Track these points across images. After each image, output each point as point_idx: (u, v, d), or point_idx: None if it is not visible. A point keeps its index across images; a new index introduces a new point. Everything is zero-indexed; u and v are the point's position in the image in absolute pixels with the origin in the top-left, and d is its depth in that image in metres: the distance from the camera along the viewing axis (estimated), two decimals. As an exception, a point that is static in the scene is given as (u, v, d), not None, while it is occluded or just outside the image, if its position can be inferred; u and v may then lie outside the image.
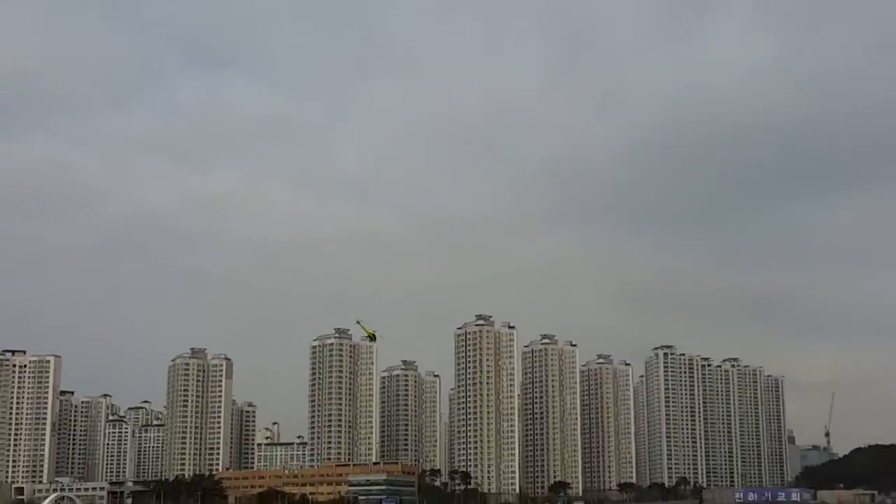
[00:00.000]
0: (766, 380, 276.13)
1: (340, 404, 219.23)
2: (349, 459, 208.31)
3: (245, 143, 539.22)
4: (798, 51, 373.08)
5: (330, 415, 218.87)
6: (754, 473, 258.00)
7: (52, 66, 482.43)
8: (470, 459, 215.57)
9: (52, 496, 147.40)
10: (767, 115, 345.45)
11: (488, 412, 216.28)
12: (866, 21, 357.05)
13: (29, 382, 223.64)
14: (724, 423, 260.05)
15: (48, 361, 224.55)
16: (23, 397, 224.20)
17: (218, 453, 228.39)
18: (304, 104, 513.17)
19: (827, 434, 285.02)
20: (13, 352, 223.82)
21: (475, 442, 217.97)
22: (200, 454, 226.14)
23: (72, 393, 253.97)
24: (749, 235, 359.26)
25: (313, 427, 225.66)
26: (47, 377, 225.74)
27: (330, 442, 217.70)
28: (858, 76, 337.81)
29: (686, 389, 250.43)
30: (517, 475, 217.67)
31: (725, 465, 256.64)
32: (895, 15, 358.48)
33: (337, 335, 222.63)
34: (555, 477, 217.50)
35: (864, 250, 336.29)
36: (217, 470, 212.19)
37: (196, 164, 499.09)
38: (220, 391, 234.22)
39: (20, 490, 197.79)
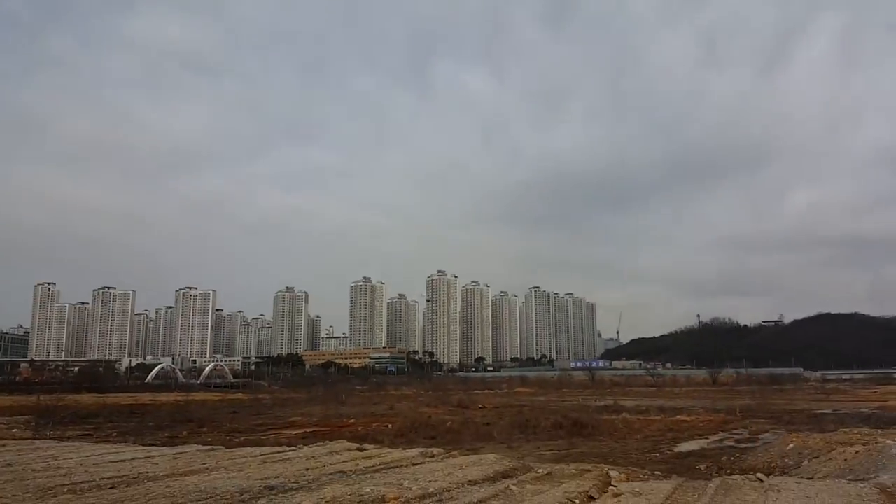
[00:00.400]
0: (588, 305, 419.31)
1: (365, 317, 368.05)
2: (370, 345, 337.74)
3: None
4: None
5: (361, 322, 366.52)
6: (580, 353, 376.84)
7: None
8: (434, 345, 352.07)
9: (211, 364, 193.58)
10: (593, 167, 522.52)
11: (443, 321, 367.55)
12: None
13: (199, 305, 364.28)
14: (565, 326, 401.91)
15: (209, 293, 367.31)
16: (196, 313, 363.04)
17: (300, 342, 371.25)
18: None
19: (618, 332, 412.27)
20: (191, 288, 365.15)
21: (436, 336, 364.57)
22: (291, 343, 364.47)
23: (221, 310, 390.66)
24: (587, 230, 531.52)
25: (351, 329, 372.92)
26: (209, 302, 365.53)
27: (361, 337, 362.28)
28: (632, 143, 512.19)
29: (545, 309, 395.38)
30: (458, 354, 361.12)
31: (566, 348, 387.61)
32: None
33: (363, 280, 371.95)
34: (477, 354, 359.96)
35: (639, 240, 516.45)
36: (299, 351, 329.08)
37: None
38: (302, 309, 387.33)
39: (194, 361, 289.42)
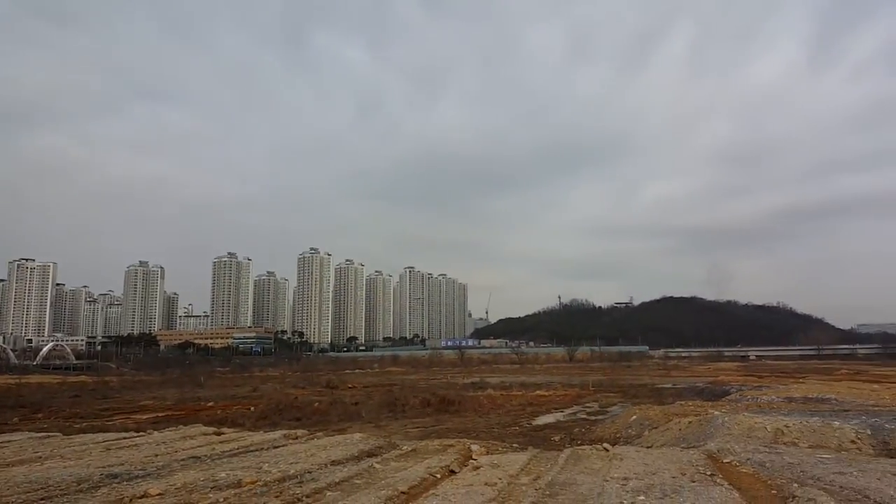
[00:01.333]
0: (460, 285, 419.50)
1: (228, 294, 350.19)
2: (234, 325, 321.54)
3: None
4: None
5: (224, 300, 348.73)
6: (452, 332, 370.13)
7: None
8: (304, 325, 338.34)
9: (50, 343, 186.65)
10: (468, 148, 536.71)
11: (315, 300, 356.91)
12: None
13: (37, 278, 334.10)
14: (438, 306, 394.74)
15: (48, 266, 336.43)
16: (33, 288, 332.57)
17: (154, 321, 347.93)
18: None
19: (487, 312, 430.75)
20: (27, 259, 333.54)
21: (307, 316, 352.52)
22: (144, 322, 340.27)
23: (62, 285, 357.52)
24: (461, 210, 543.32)
25: (213, 307, 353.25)
26: (48, 275, 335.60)
27: (224, 315, 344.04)
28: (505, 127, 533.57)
29: (419, 289, 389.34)
30: (329, 333, 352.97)
31: (438, 328, 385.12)
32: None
33: (228, 256, 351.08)
34: (350, 333, 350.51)
35: (509, 224, 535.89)
36: (153, 331, 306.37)
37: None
38: (157, 285, 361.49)
39: (30, 341, 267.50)
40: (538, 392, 46.22)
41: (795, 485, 10.30)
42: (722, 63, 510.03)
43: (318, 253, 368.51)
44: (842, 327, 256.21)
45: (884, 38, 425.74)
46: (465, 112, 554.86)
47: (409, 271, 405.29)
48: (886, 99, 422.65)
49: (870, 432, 16.21)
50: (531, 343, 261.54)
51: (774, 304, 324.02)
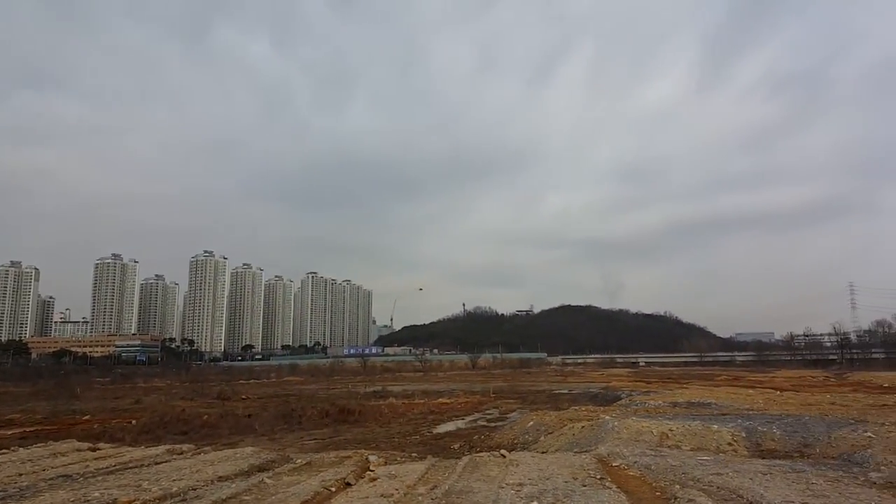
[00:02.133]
0: (365, 292, 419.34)
1: (111, 299, 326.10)
2: (117, 332, 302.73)
3: None
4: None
5: (107, 306, 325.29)
6: (354, 340, 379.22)
7: None
8: (196, 332, 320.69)
9: None
10: (378, 153, 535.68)
11: (208, 306, 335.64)
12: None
13: None
14: (341, 313, 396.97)
15: None
16: None
17: (25, 327, 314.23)
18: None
19: (392, 319, 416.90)
20: None
21: (199, 323, 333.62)
22: (13, 328, 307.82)
23: None
24: (369, 215, 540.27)
25: (94, 313, 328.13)
26: None
27: (106, 322, 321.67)
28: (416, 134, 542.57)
29: (322, 295, 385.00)
30: (223, 342, 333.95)
31: (340, 335, 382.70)
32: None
33: (112, 258, 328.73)
34: (245, 341, 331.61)
35: (417, 230, 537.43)
36: (24, 337, 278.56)
37: None
38: (30, 288, 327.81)
39: None
40: (440, 400, 46.33)
41: (677, 486, 10.78)
42: (619, 82, 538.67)
43: (213, 256, 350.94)
44: (722, 336, 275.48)
45: (767, 65, 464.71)
46: (376, 116, 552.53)
47: (312, 277, 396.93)
48: (766, 123, 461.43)
49: (744, 434, 17.35)
50: (435, 350, 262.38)
51: (662, 313, 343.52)
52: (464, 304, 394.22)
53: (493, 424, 29.83)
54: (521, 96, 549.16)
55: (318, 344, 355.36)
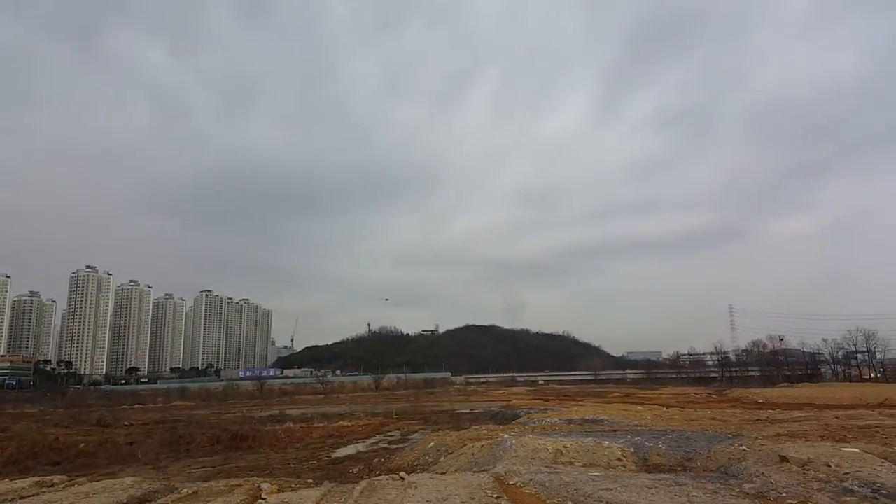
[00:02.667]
0: (264, 311, 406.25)
1: None
2: None
3: None
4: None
5: None
6: (251, 361, 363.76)
7: None
8: (74, 354, 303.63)
9: None
10: (282, 169, 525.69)
11: (89, 326, 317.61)
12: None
13: None
14: (237, 333, 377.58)
15: None
16: None
17: None
18: None
19: (292, 339, 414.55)
20: None
21: (78, 344, 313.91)
22: None
23: None
24: (270, 232, 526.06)
25: None
26: None
27: None
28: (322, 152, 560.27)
29: (216, 315, 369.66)
30: (105, 364, 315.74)
31: (236, 357, 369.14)
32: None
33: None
34: (130, 364, 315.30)
35: (320, 248, 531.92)
36: None
37: None
38: None
39: None
40: (341, 423, 45.26)
41: (570, 503, 11.04)
42: (523, 111, 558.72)
43: (96, 272, 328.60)
44: (615, 354, 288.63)
45: (656, 101, 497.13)
46: (280, 131, 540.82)
47: (206, 295, 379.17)
48: (655, 155, 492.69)
49: (633, 450, 18.12)
50: (338, 372, 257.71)
51: (561, 333, 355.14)
52: (368, 324, 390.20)
53: (394, 447, 29.48)
54: (429, 118, 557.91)
55: (211, 366, 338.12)
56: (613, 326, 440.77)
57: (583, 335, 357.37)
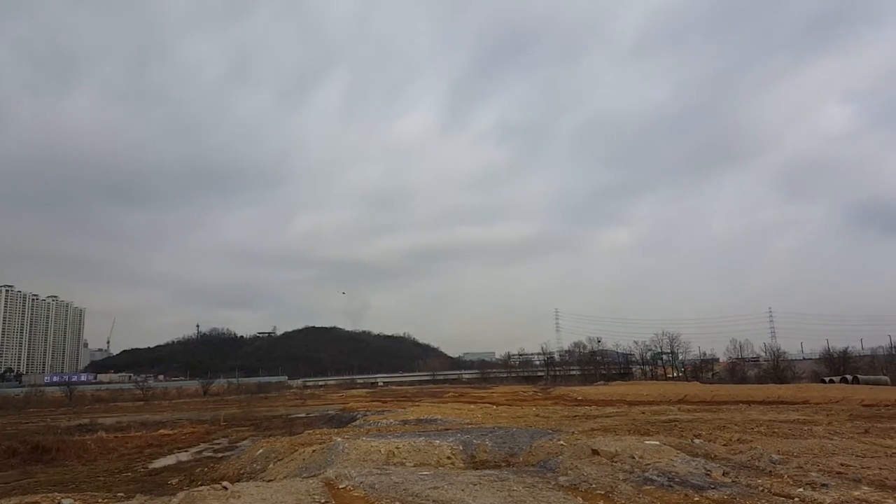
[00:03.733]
0: (75, 310, 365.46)
1: None
2: None
3: None
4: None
5: None
6: (60, 366, 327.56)
7: None
8: None
9: None
10: (104, 154, 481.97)
11: None
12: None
13: None
14: (41, 335, 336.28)
15: None
16: None
17: None
18: None
19: (108, 342, 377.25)
20: None
21: None
22: None
23: None
24: (87, 223, 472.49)
25: None
26: None
27: None
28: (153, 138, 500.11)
29: (18, 313, 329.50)
30: None
31: (40, 359, 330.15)
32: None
33: None
34: None
35: (145, 242, 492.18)
36: None
37: None
38: None
39: None
40: (161, 431, 42.02)
41: (397, 503, 11.18)
42: (373, 112, 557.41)
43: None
44: (452, 355, 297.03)
45: (499, 115, 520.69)
46: (108, 112, 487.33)
47: (7, 291, 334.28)
48: (496, 166, 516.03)
49: (462, 448, 18.80)
50: (161, 377, 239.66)
51: (402, 335, 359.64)
52: (198, 326, 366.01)
53: (220, 455, 28.03)
54: (274, 112, 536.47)
55: (11, 371, 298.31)
56: (452, 328, 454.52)
57: (423, 337, 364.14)
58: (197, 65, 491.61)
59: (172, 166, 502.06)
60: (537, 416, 33.89)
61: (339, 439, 20.75)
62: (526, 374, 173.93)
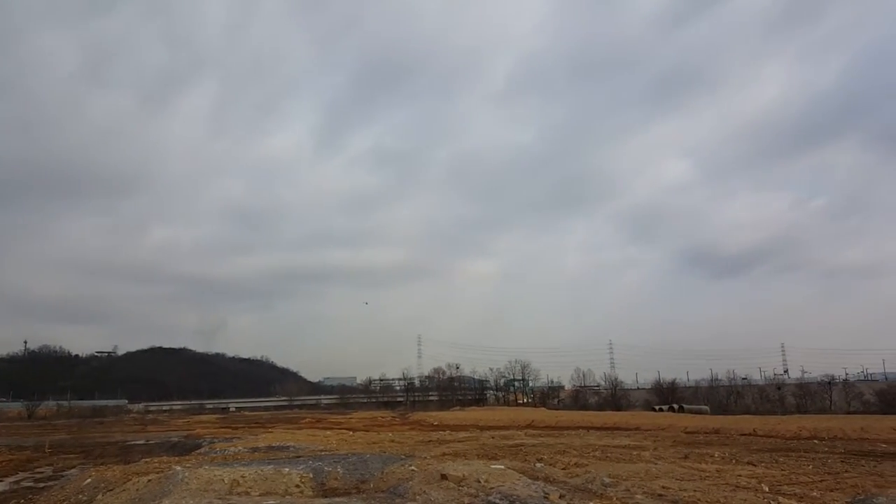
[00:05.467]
0: None
1: None
2: None
3: None
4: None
5: None
6: None
7: None
8: None
9: None
10: None
11: None
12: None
13: None
14: None
15: None
16: None
17: None
18: None
19: None
20: None
21: None
22: None
23: None
24: None
25: None
26: None
27: None
28: None
29: None
30: None
31: None
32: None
33: None
34: None
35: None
36: None
37: None
38: None
39: None
40: (-31, 460, 37.09)
41: (236, 534, 10.84)
42: (242, 126, 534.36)
43: None
44: (312, 380, 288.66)
45: (374, 140, 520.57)
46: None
47: None
48: (370, 191, 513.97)
49: (312, 475, 18.51)
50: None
51: (258, 358, 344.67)
52: (25, 343, 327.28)
53: (41, 485, 25.30)
54: (133, 117, 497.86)
55: None
56: (314, 352, 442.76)
57: (283, 361, 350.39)
58: (47, 58, 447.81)
59: (7, 165, 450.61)
60: (392, 441, 34.05)
61: (179, 468, 19.58)
62: (386, 399, 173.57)
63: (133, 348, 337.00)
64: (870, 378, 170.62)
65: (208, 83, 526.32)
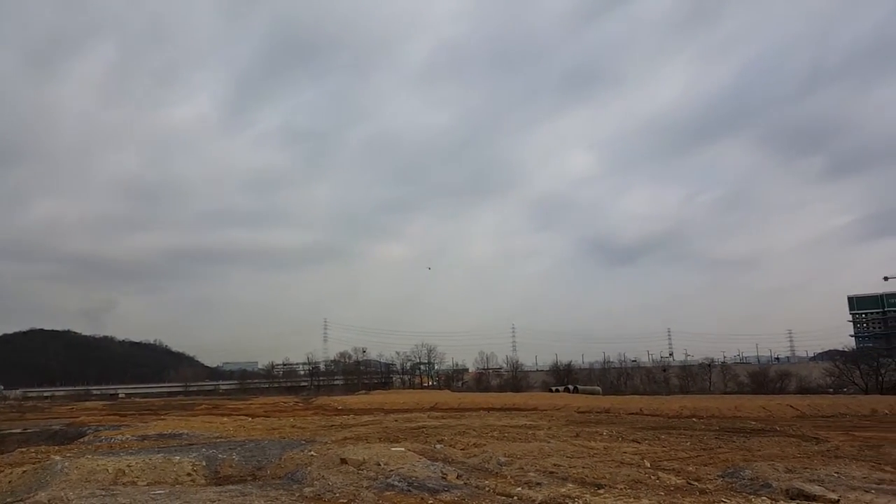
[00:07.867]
0: None
1: None
2: None
3: None
4: None
5: None
6: None
7: None
8: None
9: None
10: None
11: None
12: None
13: None
14: None
15: None
16: None
17: None
18: None
19: None
20: None
21: None
22: None
23: None
24: None
25: None
26: None
27: None
28: None
29: None
30: None
31: None
32: None
33: None
34: None
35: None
36: None
37: None
38: None
39: None
40: None
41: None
42: (141, 95, 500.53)
43: None
44: (210, 365, 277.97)
45: (284, 118, 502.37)
46: None
47: None
48: (277, 170, 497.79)
49: (205, 463, 17.90)
50: None
51: (151, 342, 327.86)
52: None
53: None
54: (17, 79, 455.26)
55: None
56: (212, 336, 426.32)
57: (177, 344, 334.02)
58: None
59: None
60: (294, 426, 33.49)
61: (59, 458, 18.37)
62: (290, 384, 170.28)
63: (10, 331, 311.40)
64: (745, 361, 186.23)
65: (104, 48, 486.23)
